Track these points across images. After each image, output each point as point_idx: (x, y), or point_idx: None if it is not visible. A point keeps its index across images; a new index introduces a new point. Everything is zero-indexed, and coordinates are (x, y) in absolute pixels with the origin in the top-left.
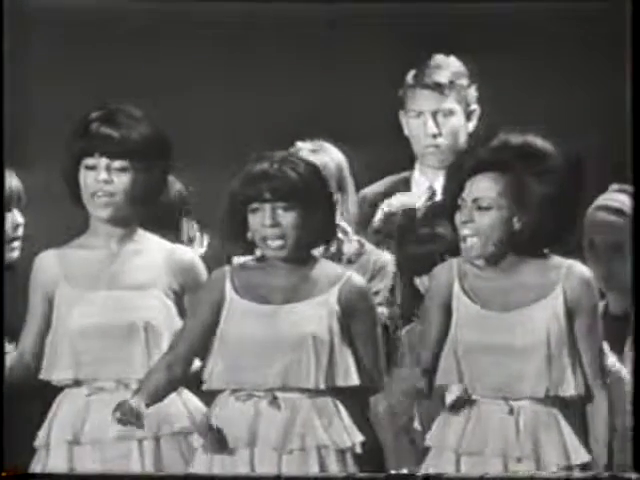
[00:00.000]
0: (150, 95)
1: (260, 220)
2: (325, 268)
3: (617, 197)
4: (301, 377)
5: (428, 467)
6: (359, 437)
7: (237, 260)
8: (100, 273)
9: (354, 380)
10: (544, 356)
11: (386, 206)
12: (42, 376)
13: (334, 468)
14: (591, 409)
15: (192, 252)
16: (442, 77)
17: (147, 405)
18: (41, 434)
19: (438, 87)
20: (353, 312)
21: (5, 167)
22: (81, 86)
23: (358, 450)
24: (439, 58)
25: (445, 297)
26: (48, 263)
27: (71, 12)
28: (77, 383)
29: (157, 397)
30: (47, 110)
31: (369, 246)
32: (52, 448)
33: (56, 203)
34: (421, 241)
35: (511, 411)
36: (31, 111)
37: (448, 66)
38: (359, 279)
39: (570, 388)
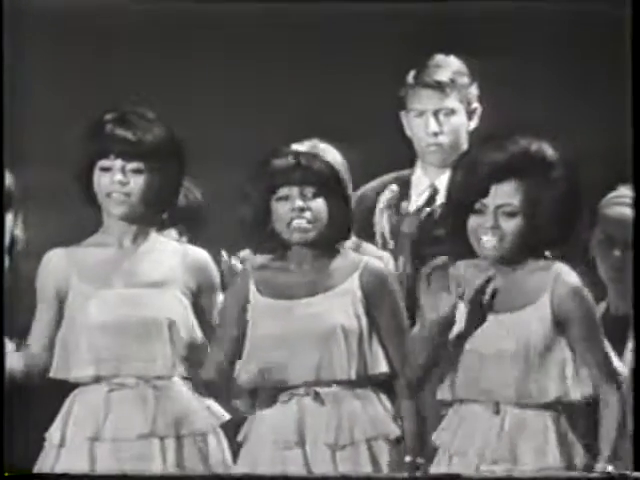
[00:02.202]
0: (150, 95)
1: (290, 206)
2: (344, 258)
3: (627, 192)
4: (334, 370)
5: (434, 468)
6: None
7: (256, 260)
8: (115, 270)
9: (383, 367)
10: (528, 361)
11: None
12: (55, 375)
13: (385, 458)
14: (599, 412)
15: (205, 252)
16: (443, 76)
17: None
18: (54, 433)
19: (439, 86)
20: (375, 297)
21: (5, 167)
22: (81, 86)
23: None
24: (439, 57)
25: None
26: (58, 261)
27: (71, 12)
28: (96, 380)
29: None
30: (47, 110)
31: (367, 246)
32: (69, 447)
33: (56, 203)
34: (433, 243)
35: (497, 412)
36: (31, 111)
37: (449, 65)
38: (377, 263)
39: (552, 394)
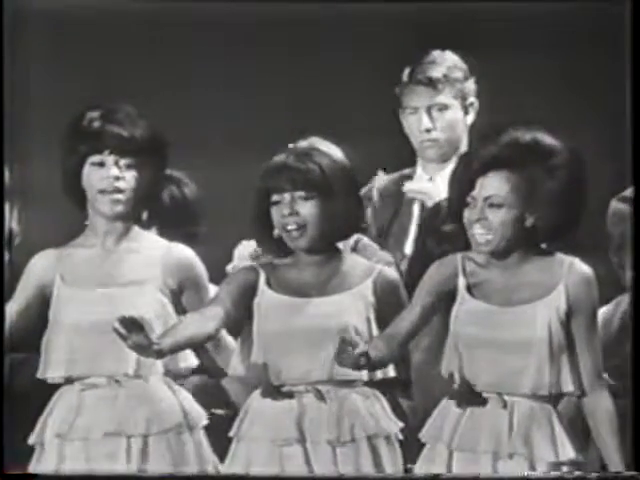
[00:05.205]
0: (149, 94)
1: (280, 211)
2: (355, 261)
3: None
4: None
5: (421, 465)
6: (400, 423)
7: (266, 259)
8: (95, 271)
9: (391, 372)
10: (545, 353)
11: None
12: (39, 375)
13: (385, 453)
14: (593, 410)
15: (189, 250)
16: (435, 72)
17: (169, 352)
18: (36, 432)
19: (431, 82)
20: (387, 305)
21: (5, 167)
22: (81, 85)
23: (400, 437)
24: (435, 54)
25: (445, 291)
26: (46, 262)
27: (71, 12)
28: (69, 380)
29: (180, 347)
30: (47, 110)
31: (372, 246)
32: (45, 445)
33: (53, 202)
34: (440, 239)
35: (505, 406)
36: (31, 111)
37: (443, 61)
38: (391, 272)
39: (568, 386)
